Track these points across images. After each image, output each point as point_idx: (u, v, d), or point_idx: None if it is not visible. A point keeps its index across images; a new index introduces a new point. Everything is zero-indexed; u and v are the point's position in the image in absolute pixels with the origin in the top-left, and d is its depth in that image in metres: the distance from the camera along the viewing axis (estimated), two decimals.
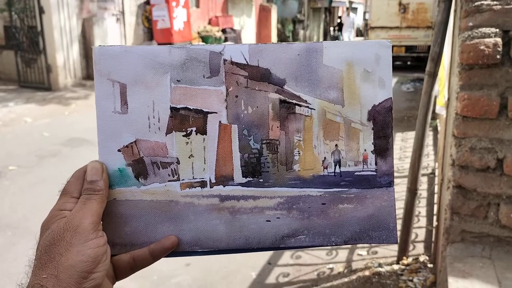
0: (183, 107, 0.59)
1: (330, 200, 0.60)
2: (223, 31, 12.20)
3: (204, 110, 0.60)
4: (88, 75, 8.78)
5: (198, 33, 11.36)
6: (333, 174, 0.61)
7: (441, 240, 1.89)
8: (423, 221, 2.98)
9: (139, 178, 0.59)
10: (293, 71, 0.60)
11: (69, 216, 0.52)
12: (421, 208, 3.17)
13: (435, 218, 2.36)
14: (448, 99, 2.15)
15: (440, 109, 2.67)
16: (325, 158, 0.61)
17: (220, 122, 0.60)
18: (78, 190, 0.55)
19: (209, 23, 12.37)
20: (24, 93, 7.67)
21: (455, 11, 2.05)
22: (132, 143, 0.59)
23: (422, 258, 2.47)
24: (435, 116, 3.88)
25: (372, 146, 0.61)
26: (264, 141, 0.60)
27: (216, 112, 0.60)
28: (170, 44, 8.97)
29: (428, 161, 4.13)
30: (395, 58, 11.24)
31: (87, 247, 0.50)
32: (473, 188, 1.62)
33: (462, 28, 1.57)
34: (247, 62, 0.60)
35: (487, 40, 1.50)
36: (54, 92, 7.86)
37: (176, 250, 0.59)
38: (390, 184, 0.61)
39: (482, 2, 1.52)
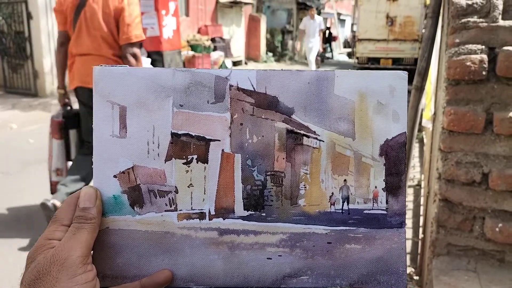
0: (185, 133, 0.55)
1: (337, 239, 0.56)
2: (213, 40, 12.25)
3: (207, 137, 0.56)
4: None
5: (188, 41, 11.38)
6: (340, 211, 0.56)
7: (427, 253, 1.90)
8: (409, 233, 3.00)
9: (135, 207, 0.55)
10: (302, 100, 0.56)
11: (57, 247, 0.49)
12: (407, 219, 3.16)
13: (421, 230, 2.37)
14: (435, 113, 2.18)
15: (427, 122, 2.71)
16: (332, 193, 0.56)
17: (223, 150, 0.56)
18: (69, 217, 0.52)
19: (199, 32, 12.41)
20: (10, 98, 7.58)
21: (442, 26, 2.09)
22: (129, 169, 0.55)
23: (408, 270, 2.48)
24: (421, 129, 3.92)
25: (383, 183, 0.56)
26: (269, 173, 0.56)
27: (219, 140, 0.56)
28: (159, 52, 8.92)
29: (414, 172, 4.17)
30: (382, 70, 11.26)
31: (74, 283, 0.47)
32: (459, 202, 1.64)
33: (449, 45, 1.60)
34: (254, 88, 0.56)
35: (473, 56, 1.53)
36: (40, 98, 7.78)
37: (170, 286, 0.55)
38: (402, 224, 0.56)
39: (469, 19, 1.55)
